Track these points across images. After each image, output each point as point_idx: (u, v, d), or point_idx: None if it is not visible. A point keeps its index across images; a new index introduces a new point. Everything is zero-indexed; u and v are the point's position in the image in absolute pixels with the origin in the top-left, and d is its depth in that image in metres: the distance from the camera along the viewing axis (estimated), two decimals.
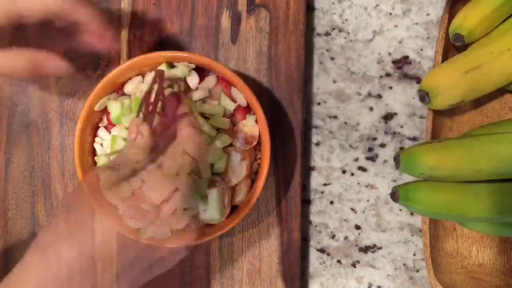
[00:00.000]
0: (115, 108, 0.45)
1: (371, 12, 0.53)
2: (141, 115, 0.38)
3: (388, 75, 0.53)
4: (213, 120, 0.45)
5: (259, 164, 0.47)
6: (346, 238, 0.53)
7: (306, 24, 0.51)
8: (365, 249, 0.53)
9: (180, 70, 0.45)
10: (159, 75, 0.39)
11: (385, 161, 0.53)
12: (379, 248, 0.53)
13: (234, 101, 0.46)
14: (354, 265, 0.53)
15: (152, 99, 0.39)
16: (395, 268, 0.53)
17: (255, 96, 0.45)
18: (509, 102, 0.51)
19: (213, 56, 0.51)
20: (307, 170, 0.53)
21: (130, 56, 0.51)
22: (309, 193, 0.54)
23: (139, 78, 0.47)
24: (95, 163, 0.47)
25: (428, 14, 0.53)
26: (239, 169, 0.46)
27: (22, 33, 0.50)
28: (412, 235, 0.53)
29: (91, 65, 0.51)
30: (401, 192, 0.45)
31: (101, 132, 0.47)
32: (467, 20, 0.46)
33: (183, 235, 0.44)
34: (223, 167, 0.45)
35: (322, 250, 0.54)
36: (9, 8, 0.36)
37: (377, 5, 0.53)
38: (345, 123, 0.53)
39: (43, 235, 0.35)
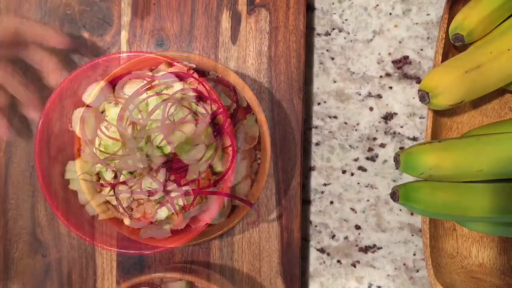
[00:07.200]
0: (113, 112, 0.45)
1: (371, 12, 0.53)
2: None
3: (388, 75, 0.53)
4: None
5: (259, 164, 0.47)
6: (346, 238, 0.53)
7: (306, 24, 0.51)
8: (365, 249, 0.53)
9: (178, 70, 0.45)
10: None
11: (385, 161, 0.53)
12: (379, 248, 0.53)
13: (234, 101, 0.46)
14: (354, 265, 0.53)
15: None
16: (395, 268, 0.53)
17: (255, 96, 0.45)
18: (509, 102, 0.51)
19: (213, 56, 0.51)
20: (307, 170, 0.53)
21: (129, 56, 0.51)
22: (309, 193, 0.53)
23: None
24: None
25: (428, 14, 0.53)
26: (239, 169, 0.46)
27: None
28: (412, 235, 0.53)
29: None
30: (401, 192, 0.45)
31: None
32: (467, 20, 0.46)
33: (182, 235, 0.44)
34: (223, 167, 0.45)
35: (322, 250, 0.54)
36: None
37: (377, 5, 0.53)
38: (345, 123, 0.53)
39: None
